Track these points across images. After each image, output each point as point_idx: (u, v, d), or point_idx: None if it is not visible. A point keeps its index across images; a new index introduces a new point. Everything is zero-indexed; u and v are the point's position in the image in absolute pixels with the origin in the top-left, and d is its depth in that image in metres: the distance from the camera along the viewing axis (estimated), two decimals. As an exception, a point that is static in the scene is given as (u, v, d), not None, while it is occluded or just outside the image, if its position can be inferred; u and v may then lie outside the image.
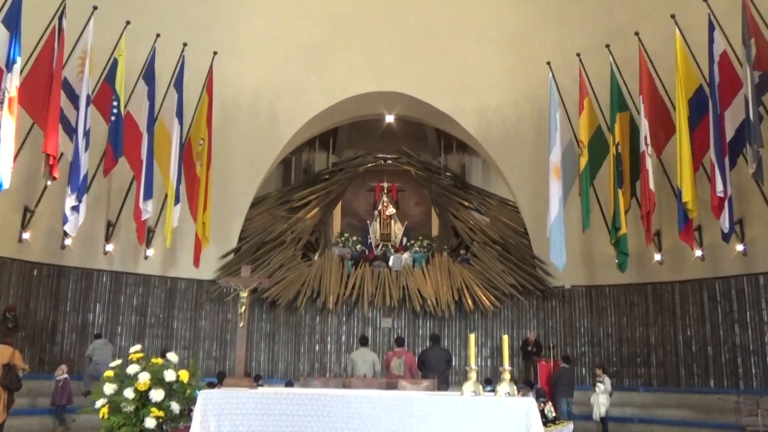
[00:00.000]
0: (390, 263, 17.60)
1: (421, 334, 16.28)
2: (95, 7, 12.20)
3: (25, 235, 13.00)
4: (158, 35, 13.50)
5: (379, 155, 19.85)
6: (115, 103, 12.51)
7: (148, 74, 13.36)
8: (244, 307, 11.14)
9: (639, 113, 12.69)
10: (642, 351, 14.51)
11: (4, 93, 10.20)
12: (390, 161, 19.92)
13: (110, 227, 14.26)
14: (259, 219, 17.17)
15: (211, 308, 15.73)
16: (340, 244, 18.99)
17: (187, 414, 6.08)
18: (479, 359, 15.82)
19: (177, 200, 13.40)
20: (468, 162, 20.05)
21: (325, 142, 19.96)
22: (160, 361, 6.18)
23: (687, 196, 11.55)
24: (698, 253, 13.27)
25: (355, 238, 19.46)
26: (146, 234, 13.96)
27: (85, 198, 11.90)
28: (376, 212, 20.29)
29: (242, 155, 15.74)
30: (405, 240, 19.46)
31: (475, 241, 17.33)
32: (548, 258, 13.44)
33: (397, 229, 20.27)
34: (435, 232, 19.92)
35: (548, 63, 13.88)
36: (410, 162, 19.70)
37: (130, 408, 5.89)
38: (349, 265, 17.16)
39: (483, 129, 16.13)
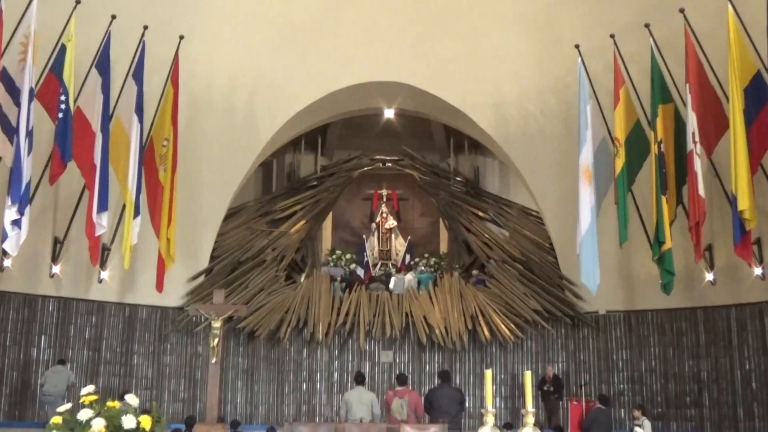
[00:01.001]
0: (390, 285, 17.59)
1: (428, 371, 16.24)
2: (40, -15, 12.26)
3: (-45, 255, 13.02)
4: (114, 17, 13.50)
5: (377, 157, 19.85)
6: (62, 98, 12.51)
7: (102, 63, 13.39)
8: (217, 339, 11.08)
9: (685, 105, 12.70)
10: (692, 389, 14.46)
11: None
12: (390, 164, 19.91)
13: (58, 245, 14.25)
14: (235, 234, 17.17)
15: (178, 341, 15.70)
16: (331, 263, 18.94)
17: (149, 469, 6.03)
18: (497, 399, 15.73)
19: (137, 212, 13.40)
20: (482, 165, 20.03)
21: (313, 142, 19.93)
22: (117, 404, 6.12)
23: (743, 203, 11.53)
24: (758, 271, 13.24)
25: (348, 255, 19.38)
26: (100, 253, 13.95)
27: (27, 210, 11.87)
28: (374, 225, 20.24)
29: (214, 158, 15.74)
30: (408, 258, 19.41)
31: (491, 258, 17.32)
32: (579, 278, 13.43)
33: (399, 244, 20.23)
34: (444, 248, 19.85)
35: (577, 46, 13.93)
36: (414, 165, 19.70)
37: (82, 462, 5.82)
38: (341, 288, 17.15)
39: (500, 125, 16.15)
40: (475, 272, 17.46)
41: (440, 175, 19.65)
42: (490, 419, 5.88)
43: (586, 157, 13.24)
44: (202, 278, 16.05)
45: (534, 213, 17.71)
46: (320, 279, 17.06)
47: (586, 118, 13.35)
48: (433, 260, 19.17)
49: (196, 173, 15.53)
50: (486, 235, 17.86)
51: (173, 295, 15.47)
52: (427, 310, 16.26)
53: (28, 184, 11.96)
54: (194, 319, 15.42)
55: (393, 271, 18.86)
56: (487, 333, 15.78)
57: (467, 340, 15.90)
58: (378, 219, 20.32)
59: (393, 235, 20.20)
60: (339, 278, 17.59)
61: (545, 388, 14.95)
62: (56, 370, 13.30)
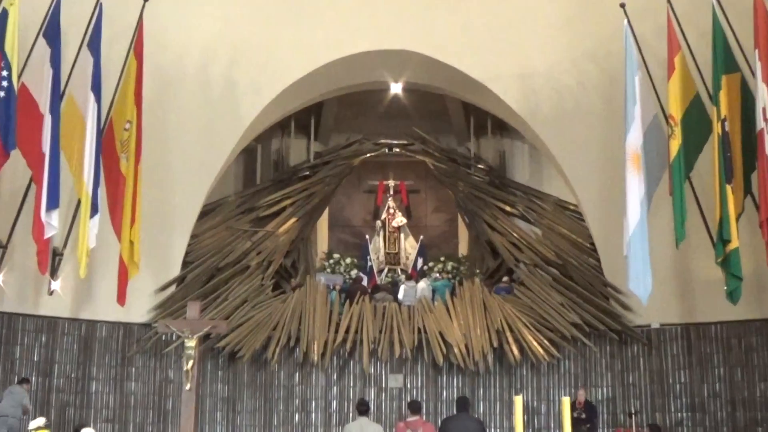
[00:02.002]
0: (400, 295, 17.61)
1: (445, 397, 16.22)
2: (-25, -63, 12.28)
3: None
4: (65, -25, 13.56)
5: (382, 141, 19.90)
6: (4, 73, 12.48)
7: (51, 31, 13.34)
8: (191, 362, 11.03)
9: (754, 75, 12.61)
10: (765, 417, 14.38)
11: None
12: (397, 150, 19.97)
13: (-1, 250, 14.26)
14: (212, 235, 17.20)
15: (145, 364, 15.69)
16: (328, 270, 18.94)
17: None
18: (529, 431, 15.83)
19: (94, 210, 13.37)
20: (509, 149, 20.07)
21: (305, 123, 19.98)
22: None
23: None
24: None
25: (348, 260, 19.45)
26: (51, 259, 13.89)
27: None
28: (379, 223, 20.30)
29: (186, 144, 15.75)
30: (420, 262, 19.45)
31: (520, 262, 17.32)
32: (626, 285, 13.37)
33: (409, 246, 20.26)
34: (463, 249, 19.87)
35: (622, 5, 13.85)
36: (426, 150, 19.72)
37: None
38: (340, 299, 17.16)
39: (530, 102, 16.15)
40: (505, 279, 17.48)
41: (458, 162, 19.65)
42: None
43: (635, 139, 13.20)
44: (172, 289, 16.05)
45: (572, 207, 17.72)
46: (315, 288, 17.06)
47: (634, 91, 13.31)
48: (450, 265, 19.17)
49: (165, 162, 15.52)
50: (514, 234, 17.87)
51: (138, 310, 15.46)
52: (443, 324, 16.22)
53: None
54: (164, 337, 15.41)
55: (402, 278, 18.88)
56: (516, 352, 15.76)
57: (492, 360, 15.88)
58: (384, 216, 20.36)
59: (402, 235, 20.24)
60: (337, 287, 17.60)
61: (575, 415, 14.88)
62: (12, 391, 13.26)
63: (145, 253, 14.63)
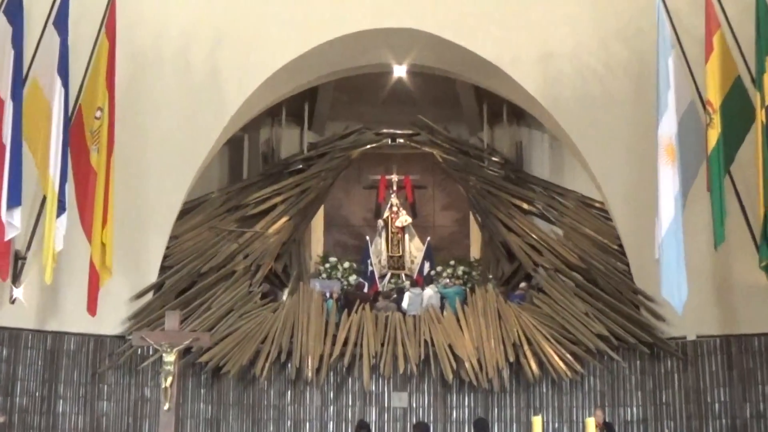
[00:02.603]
0: (404, 304, 17.59)
1: (455, 418, 16.20)
2: None
3: None
4: (28, -56, 13.50)
5: (384, 131, 19.94)
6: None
7: (12, 7, 13.26)
8: (170, 379, 11.07)
9: (804, 56, 12.63)
10: (815, 440, 14.36)
11: None
12: (402, 140, 20.00)
13: (-45, 253, 14.20)
14: (194, 236, 17.23)
15: (118, 381, 15.67)
16: (324, 275, 18.94)
17: None
18: (550, 456, 15.79)
19: (61, 209, 13.32)
20: (527, 140, 20.09)
21: (297, 111, 20.00)
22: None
23: None
24: None
25: (347, 264, 19.47)
26: (12, 264, 13.82)
27: None
28: (381, 223, 20.31)
29: (165, 135, 15.74)
30: (427, 266, 19.46)
31: (540, 266, 17.32)
32: (659, 292, 13.34)
33: (415, 248, 20.26)
34: (475, 252, 19.87)
35: (654, -23, 13.84)
36: (434, 141, 19.74)
37: None
38: (338, 307, 17.15)
39: (551, 86, 16.15)
40: (522, 286, 17.46)
41: (470, 154, 19.67)
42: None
43: (668, 127, 13.16)
44: (149, 296, 16.05)
45: (597, 204, 17.76)
46: (309, 296, 17.05)
47: (668, 74, 13.25)
48: (461, 269, 19.19)
49: (141, 155, 15.52)
50: (533, 235, 17.89)
51: (111, 320, 15.44)
52: (453, 336, 16.21)
53: None
54: (140, 351, 15.38)
55: (407, 284, 18.88)
56: (535, 367, 15.75)
57: (508, 376, 15.86)
58: (386, 215, 20.38)
59: (406, 236, 20.25)
60: (334, 295, 17.60)
61: (594, 438, 14.90)
62: None
63: (119, 256, 14.63)
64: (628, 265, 16.39)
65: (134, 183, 15.39)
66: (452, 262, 19.43)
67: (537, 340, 15.92)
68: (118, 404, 15.62)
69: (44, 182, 13.49)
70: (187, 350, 13.87)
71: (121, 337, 15.58)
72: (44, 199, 13.59)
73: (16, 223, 12.98)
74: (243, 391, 16.25)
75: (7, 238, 12.92)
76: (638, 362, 15.98)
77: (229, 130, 16.67)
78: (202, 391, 16.20)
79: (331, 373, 16.22)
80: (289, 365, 16.08)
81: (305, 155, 19.67)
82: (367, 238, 19.94)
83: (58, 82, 13.49)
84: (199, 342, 12.72)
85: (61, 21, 13.69)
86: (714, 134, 13.12)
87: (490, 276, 18.37)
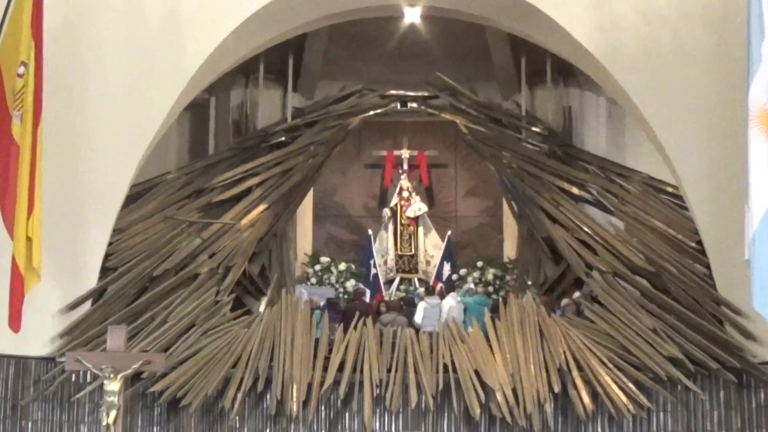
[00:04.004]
0: (417, 318, 17.58)
1: (484, 465, 16.24)
2: None
3: None
4: None
5: (392, 93, 19.98)
6: None
7: None
8: (114, 414, 11.02)
9: None
10: None
11: None
12: (415, 105, 20.02)
13: None
14: (144, 229, 17.26)
15: (47, 416, 15.60)
16: (313, 280, 18.90)
17: None
18: None
19: (-28, 193, 13.32)
20: (578, 105, 20.13)
21: (279, 67, 20.04)
22: None
23: None
24: None
25: (343, 265, 19.50)
26: None
27: None
28: (388, 212, 20.32)
29: (109, 98, 15.75)
30: (448, 269, 19.47)
31: (594, 268, 17.33)
32: (748, 303, 13.17)
33: (431, 245, 20.26)
34: (510, 251, 19.86)
35: None
36: (457, 106, 19.73)
37: None
38: (331, 320, 17.05)
39: (609, 37, 16.17)
40: (576, 296, 17.40)
41: (504, 123, 19.67)
42: None
43: (762, 89, 13.00)
44: (87, 307, 16.04)
45: (669, 189, 17.80)
46: (294, 307, 16.96)
47: (761, 21, 13.12)
48: (491, 273, 19.16)
49: (78, 124, 15.56)
50: (585, 229, 17.88)
51: (37, 337, 15.42)
52: (481, 359, 16.15)
53: None
54: (74, 377, 15.34)
55: (421, 292, 18.82)
56: (587, 399, 15.67)
57: (552, 411, 15.77)
58: (395, 202, 20.31)
59: (421, 230, 20.24)
60: (324, 306, 17.60)
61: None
62: None
63: (49, 255, 14.50)
64: (708, 267, 16.40)
65: (69, 160, 15.40)
66: (480, 264, 19.35)
67: (590, 364, 15.85)
68: (48, 445, 15.67)
69: (-51, 159, 13.49)
70: (136, 376, 13.83)
71: (50, 359, 15.53)
72: (-50, 181, 13.60)
73: None
74: (209, 429, 16.18)
75: None
76: (722, 393, 15.92)
77: (191, 91, 16.62)
78: (155, 429, 16.10)
79: (323, 407, 16.16)
80: (268, 396, 16.02)
81: (289, 124, 19.68)
82: (370, 232, 19.96)
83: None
84: (152, 366, 12.69)
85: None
86: (820, 100, 13.04)
87: (529, 282, 18.32)
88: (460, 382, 15.94)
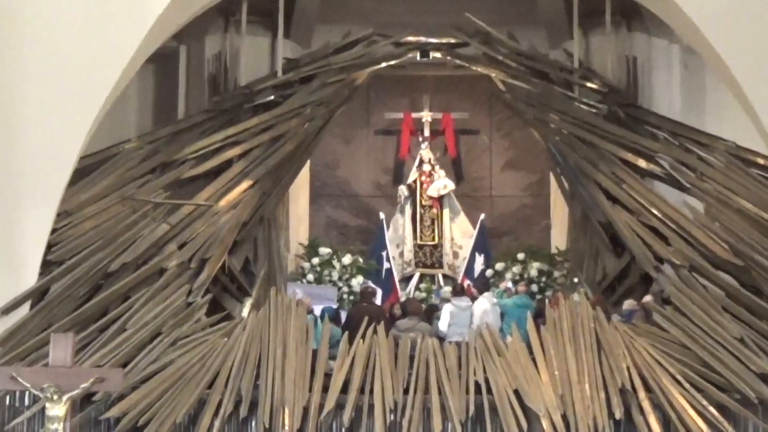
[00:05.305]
0: (442, 324, 17.69)
1: None
2: None
3: None
4: None
5: (410, 38, 19.97)
6: None
7: None
8: (58, 443, 11.10)
9: None
10: None
11: None
12: (438, 54, 20.04)
13: None
14: (97, 212, 17.30)
15: (-25, 446, 15.71)
16: (308, 276, 18.94)
17: None
18: None
19: None
20: (645, 56, 20.17)
21: (267, 9, 20.15)
22: None
23: None
24: None
25: (348, 258, 19.57)
26: None
27: None
28: (405, 190, 20.36)
29: (52, 50, 15.77)
30: (481, 262, 19.55)
31: (666, 261, 17.33)
32: None
33: (460, 232, 20.33)
34: (559, 240, 19.97)
35: None
36: (492, 56, 19.74)
37: None
38: (331, 330, 17.11)
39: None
40: (648, 299, 17.33)
41: (552, 78, 19.68)
42: None
43: None
44: (25, 309, 16.08)
45: (761, 161, 17.78)
46: (285, 312, 16.94)
47: None
48: (534, 268, 19.15)
49: (14, 83, 15.63)
50: (654, 211, 17.88)
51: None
52: (523, 377, 16.14)
53: None
54: (9, 400, 15.32)
55: (447, 291, 18.80)
56: (656, 427, 15.64)
57: (614, 442, 15.88)
58: (413, 177, 20.32)
59: (446, 213, 20.26)
60: (322, 313, 17.62)
61: None
62: None
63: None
64: (813, 259, 16.34)
65: (2, 127, 15.45)
66: (521, 257, 19.33)
67: (660, 383, 15.82)
68: (-23, 483, 15.71)
69: None
70: (86, 398, 13.84)
71: (-22, 377, 15.58)
72: None
73: None
74: (179, 465, 16.32)
75: None
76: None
77: (154, 39, 16.58)
78: (111, 464, 16.26)
79: (323, 435, 16.30)
80: (253, 424, 16.03)
81: (280, 80, 19.65)
82: (382, 216, 20.01)
83: None
84: (106, 385, 12.64)
85: None
86: None
87: (583, 278, 18.32)
88: (496, 406, 15.96)
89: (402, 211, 20.20)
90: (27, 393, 12.86)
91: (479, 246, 19.75)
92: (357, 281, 19.03)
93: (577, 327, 16.58)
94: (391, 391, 16.04)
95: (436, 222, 20.19)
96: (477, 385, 16.10)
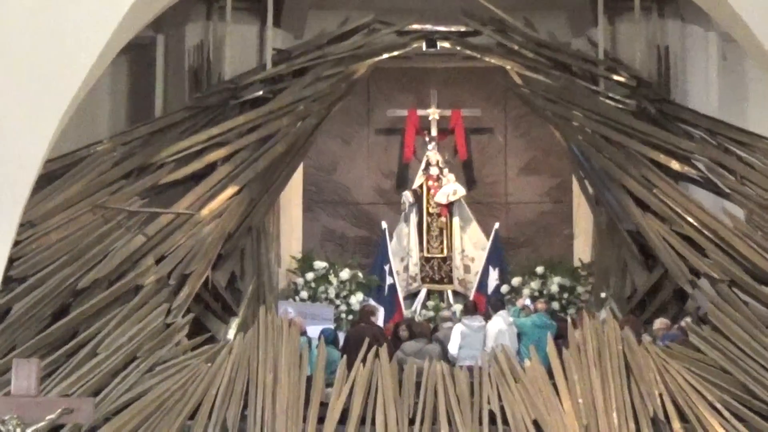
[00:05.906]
0: (452, 347, 17.66)
1: None
2: None
3: None
4: None
5: (415, 27, 20.04)
6: None
7: None
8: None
9: None
10: None
11: None
12: (448, 45, 20.09)
13: None
14: (65, 222, 17.34)
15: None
16: (302, 293, 19.01)
17: None
18: None
19: None
20: (679, 44, 20.25)
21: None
22: None
23: None
24: None
25: (346, 272, 19.62)
26: None
27: None
28: (410, 197, 20.41)
29: (14, 39, 15.62)
30: (496, 277, 19.57)
31: (703, 275, 17.35)
32: None
33: (472, 244, 20.42)
34: (583, 252, 20.02)
35: None
36: (507, 46, 19.81)
37: None
38: (327, 353, 17.08)
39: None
40: (686, 321, 17.28)
41: (574, 70, 19.72)
42: None
43: None
44: (-15, 331, 16.04)
45: None
46: (276, 332, 16.96)
47: None
48: (556, 283, 19.17)
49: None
50: (690, 219, 17.87)
51: None
52: (543, 405, 16.16)
53: None
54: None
55: (458, 310, 18.88)
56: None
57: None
58: (419, 182, 20.36)
59: (456, 222, 20.31)
60: (313, 330, 17.66)
61: None
62: None
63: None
64: None
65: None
66: (540, 270, 19.33)
67: (697, 412, 15.84)
68: None
69: None
70: (53, 430, 13.72)
71: (-67, 407, 15.56)
72: None
73: None
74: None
75: None
76: None
77: (129, 27, 16.51)
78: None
79: (319, 474, 16.22)
80: (242, 457, 16.08)
81: (269, 73, 19.72)
82: (384, 225, 20.08)
83: None
84: (76, 416, 12.54)
85: None
86: None
87: (610, 294, 18.30)
88: (514, 438, 15.97)
89: (407, 220, 20.23)
90: (-12, 424, 12.82)
91: (493, 259, 19.78)
92: (356, 299, 19.07)
93: (603, 349, 16.62)
94: (395, 422, 16.07)
95: (444, 232, 20.24)
96: (491, 414, 16.17)
